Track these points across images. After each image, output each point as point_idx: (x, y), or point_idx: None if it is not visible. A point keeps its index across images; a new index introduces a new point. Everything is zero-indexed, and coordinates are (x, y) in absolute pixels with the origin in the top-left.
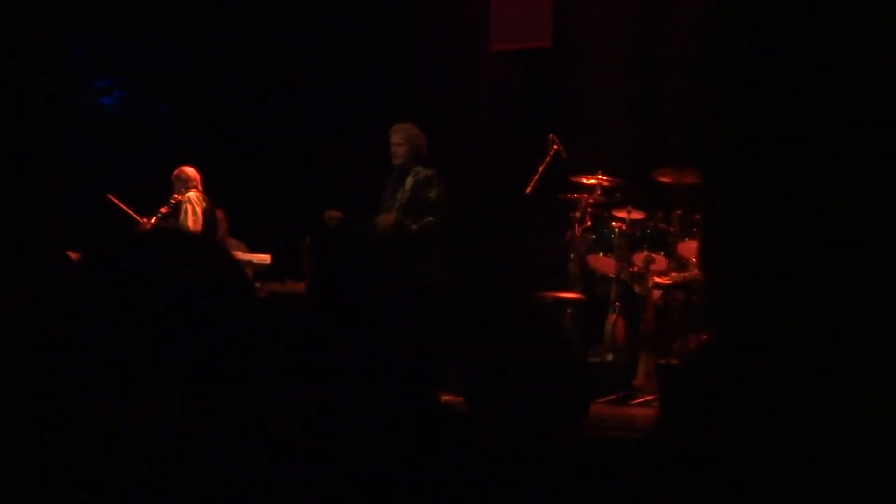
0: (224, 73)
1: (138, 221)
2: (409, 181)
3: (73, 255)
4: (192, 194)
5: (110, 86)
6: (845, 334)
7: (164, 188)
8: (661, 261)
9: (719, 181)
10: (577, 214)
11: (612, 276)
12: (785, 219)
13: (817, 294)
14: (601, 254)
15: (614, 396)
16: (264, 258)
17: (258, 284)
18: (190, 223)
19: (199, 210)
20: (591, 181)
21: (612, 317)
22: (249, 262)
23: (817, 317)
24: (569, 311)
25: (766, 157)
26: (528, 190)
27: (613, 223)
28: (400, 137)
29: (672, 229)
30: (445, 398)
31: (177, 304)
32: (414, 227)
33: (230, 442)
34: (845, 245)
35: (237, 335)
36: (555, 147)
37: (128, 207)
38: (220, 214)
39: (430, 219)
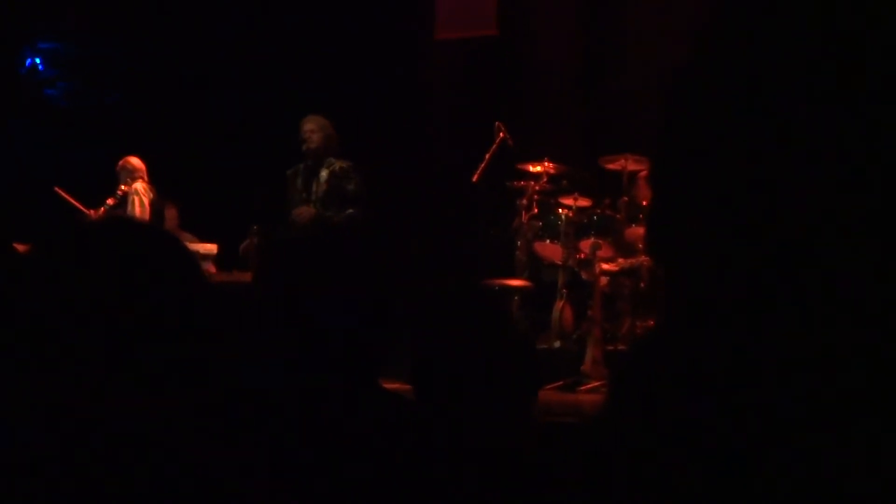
0: (168, 62)
1: (85, 213)
2: (324, 173)
3: (20, 248)
4: (139, 185)
5: (54, 77)
6: (795, 318)
7: (109, 179)
8: (607, 247)
9: (668, 165)
10: (524, 202)
11: (559, 263)
12: (734, 203)
13: (769, 279)
14: (548, 241)
15: (562, 383)
16: (210, 248)
17: None
18: (137, 214)
19: (146, 201)
20: (538, 168)
21: (559, 304)
22: (196, 252)
23: (768, 300)
24: (516, 298)
25: (718, 140)
26: (475, 178)
27: (560, 210)
28: (313, 125)
29: (618, 216)
30: (394, 386)
31: (128, 293)
32: (336, 219)
33: (186, 427)
34: (797, 229)
35: (190, 322)
36: (501, 135)
37: (74, 199)
38: (171, 207)
39: (352, 210)
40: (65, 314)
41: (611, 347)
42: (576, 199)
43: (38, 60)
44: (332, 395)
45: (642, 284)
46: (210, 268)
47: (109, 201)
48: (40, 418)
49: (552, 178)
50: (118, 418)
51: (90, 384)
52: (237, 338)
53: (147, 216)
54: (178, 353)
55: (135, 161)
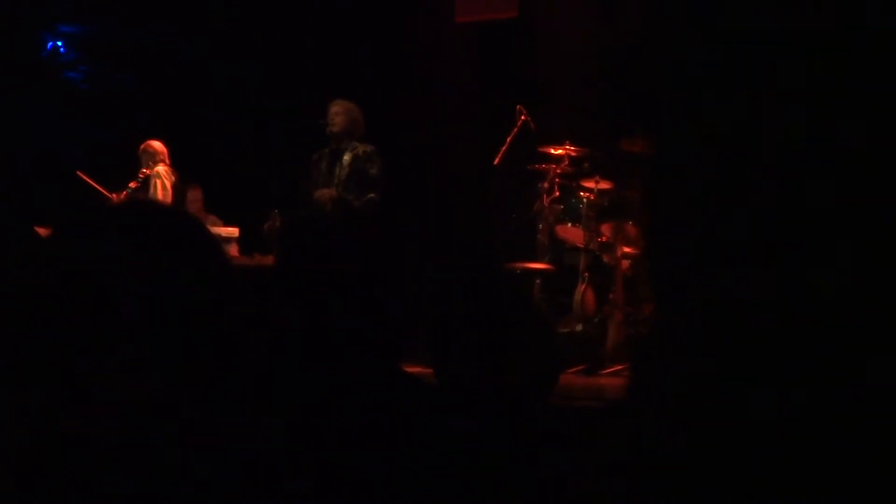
0: (191, 45)
1: (108, 197)
2: (348, 157)
3: (41, 231)
4: (161, 168)
5: (76, 60)
6: (789, 318)
7: (131, 163)
8: (629, 230)
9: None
10: (546, 185)
11: (581, 246)
12: (731, 205)
13: (763, 277)
14: (570, 224)
15: (584, 366)
16: (232, 231)
17: None
18: (160, 197)
19: (168, 184)
20: (559, 151)
21: (580, 287)
22: (217, 236)
23: (762, 299)
24: (538, 281)
25: (712, 132)
26: (496, 161)
27: (581, 193)
28: (339, 108)
29: (640, 198)
30: (415, 370)
31: (149, 276)
32: (356, 203)
33: (206, 408)
34: (791, 227)
35: (213, 306)
36: (522, 118)
37: (97, 183)
38: (196, 190)
39: (372, 195)
40: (86, 297)
41: (633, 331)
42: (597, 182)
43: (59, 43)
44: (352, 378)
45: None
46: (232, 250)
47: (132, 185)
48: (60, 399)
49: (573, 161)
50: (139, 399)
51: (112, 367)
52: (258, 321)
53: (169, 199)
54: (200, 336)
55: (156, 144)
